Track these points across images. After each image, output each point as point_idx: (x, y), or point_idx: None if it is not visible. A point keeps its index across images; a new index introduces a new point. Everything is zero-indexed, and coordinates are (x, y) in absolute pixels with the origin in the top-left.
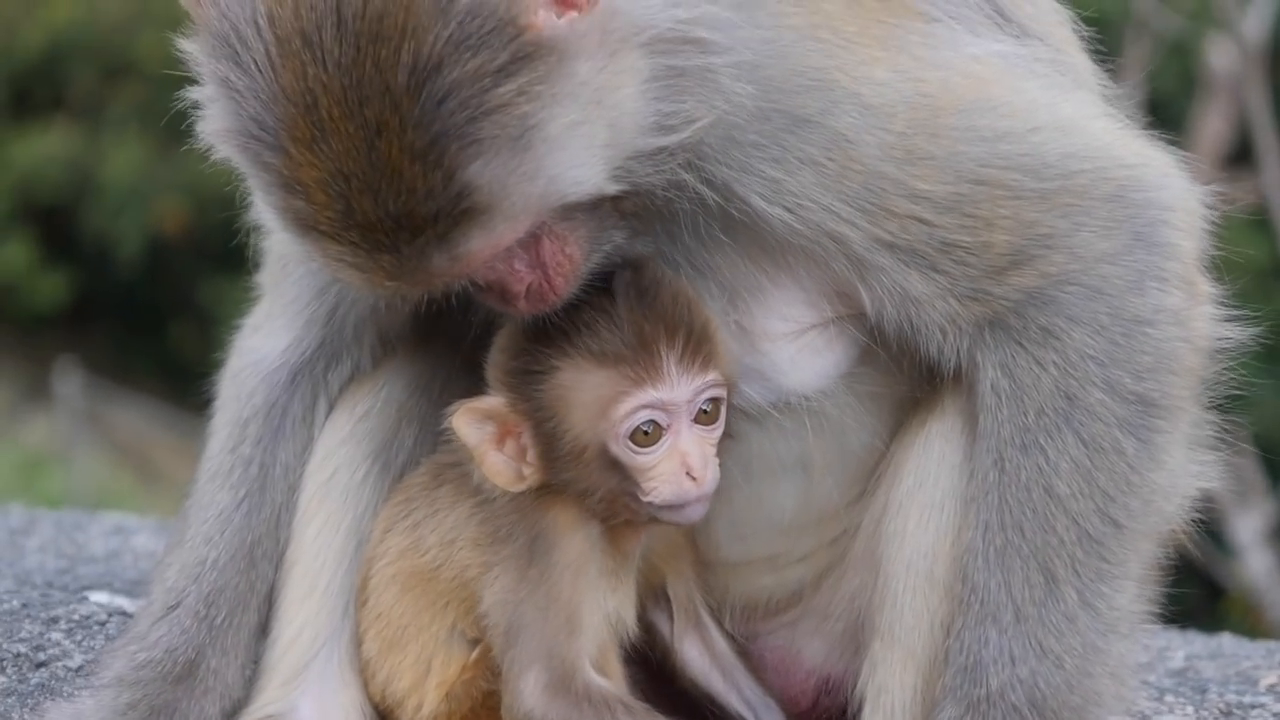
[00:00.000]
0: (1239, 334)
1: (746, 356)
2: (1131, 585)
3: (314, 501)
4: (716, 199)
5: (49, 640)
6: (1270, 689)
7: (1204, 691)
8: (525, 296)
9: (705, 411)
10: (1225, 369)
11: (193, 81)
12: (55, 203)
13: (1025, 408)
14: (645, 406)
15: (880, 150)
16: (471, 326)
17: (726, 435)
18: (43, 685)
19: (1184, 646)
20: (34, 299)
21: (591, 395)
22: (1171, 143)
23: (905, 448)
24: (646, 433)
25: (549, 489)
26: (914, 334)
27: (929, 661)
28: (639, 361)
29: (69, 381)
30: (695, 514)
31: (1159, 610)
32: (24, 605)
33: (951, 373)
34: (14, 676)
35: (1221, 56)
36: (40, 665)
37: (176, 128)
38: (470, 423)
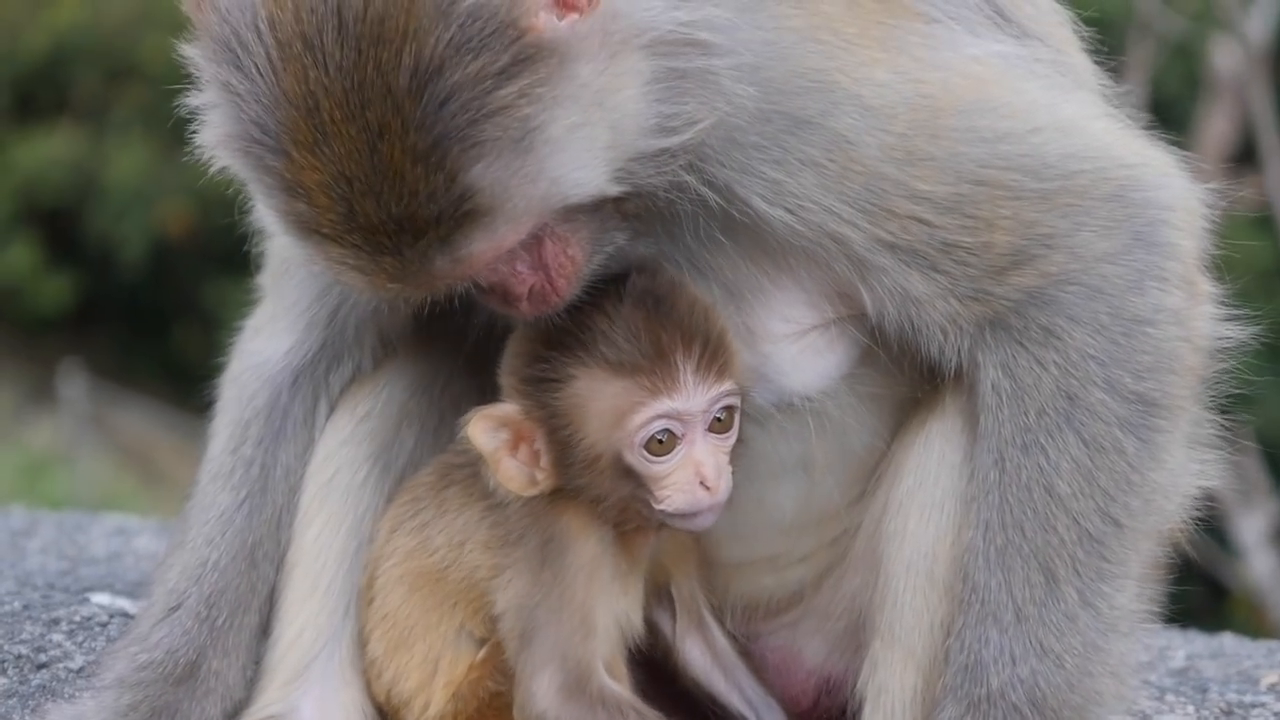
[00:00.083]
0: (1240, 333)
1: (748, 357)
2: (1132, 584)
3: (315, 502)
4: (718, 200)
5: (50, 641)
6: (1271, 688)
7: (1205, 691)
8: (528, 298)
9: (719, 420)
10: (1227, 368)
11: (196, 85)
12: (59, 205)
13: (1026, 407)
14: (661, 416)
15: (881, 151)
16: (473, 327)
17: (738, 441)
18: (44, 686)
19: (1185, 646)
20: (38, 302)
21: (607, 405)
22: (1175, 144)
23: (906, 447)
24: (661, 442)
25: (561, 493)
26: (915, 334)
27: (929, 661)
28: (655, 371)
29: (73, 384)
30: (707, 521)
31: (1161, 610)
32: (25, 607)
33: (952, 373)
34: (15, 678)
35: (1225, 57)
36: (41, 666)
37: (180, 131)
38: (485, 430)
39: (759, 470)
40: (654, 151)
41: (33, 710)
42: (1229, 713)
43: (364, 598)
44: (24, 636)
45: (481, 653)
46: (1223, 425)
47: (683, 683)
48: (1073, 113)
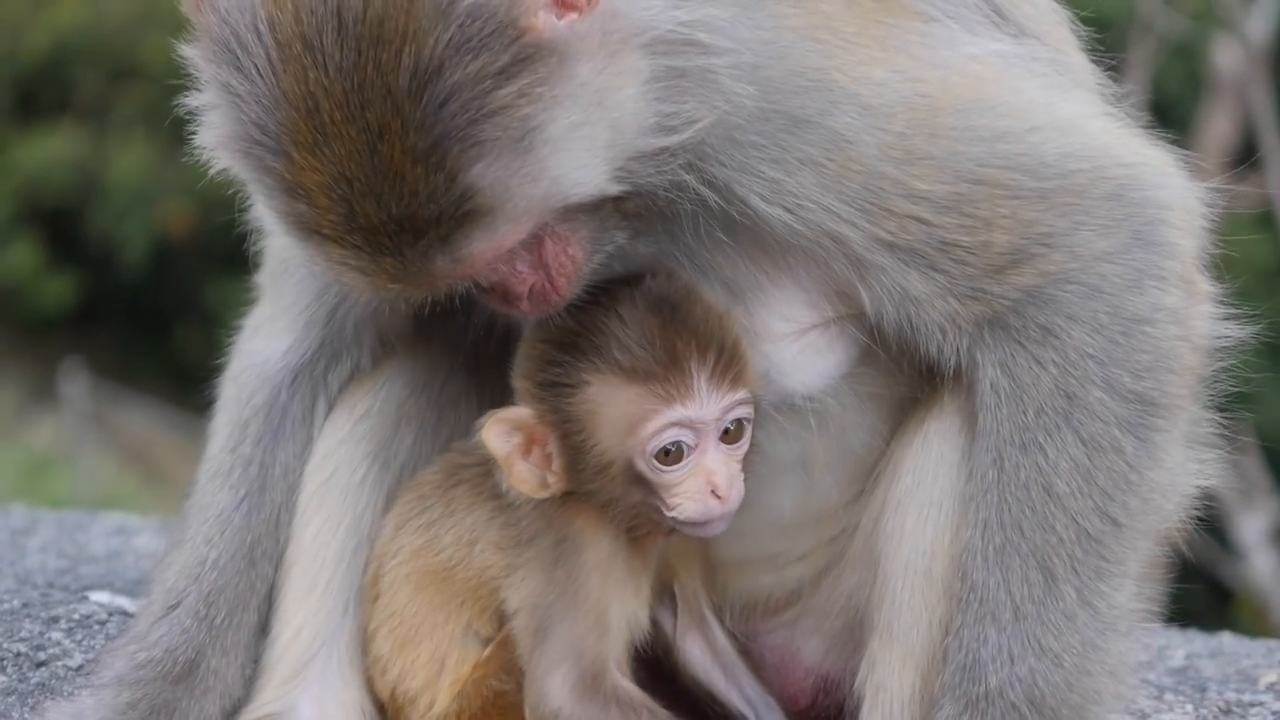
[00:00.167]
0: (1240, 332)
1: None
2: (1130, 583)
3: (313, 501)
4: (717, 199)
5: (49, 640)
6: (1270, 687)
7: (1204, 690)
8: (528, 297)
9: (731, 429)
10: (1228, 368)
11: (196, 86)
12: (61, 205)
13: (1025, 406)
14: (674, 425)
15: (879, 150)
16: (472, 326)
17: (758, 453)
18: (43, 684)
19: (1184, 645)
20: (40, 301)
21: (620, 411)
22: (1176, 143)
23: (904, 447)
24: (670, 451)
25: (573, 495)
26: (914, 333)
27: (927, 660)
28: (669, 379)
29: (75, 383)
30: (718, 529)
31: (1163, 610)
32: (24, 605)
33: (951, 372)
34: (14, 676)
35: (1226, 57)
36: (40, 664)
37: (182, 131)
38: (499, 433)
39: (758, 469)
40: (653, 150)
41: (32, 708)
42: (1227, 712)
43: (369, 595)
44: (23, 634)
45: (486, 651)
46: (1223, 424)
47: (682, 681)
48: (1071, 111)
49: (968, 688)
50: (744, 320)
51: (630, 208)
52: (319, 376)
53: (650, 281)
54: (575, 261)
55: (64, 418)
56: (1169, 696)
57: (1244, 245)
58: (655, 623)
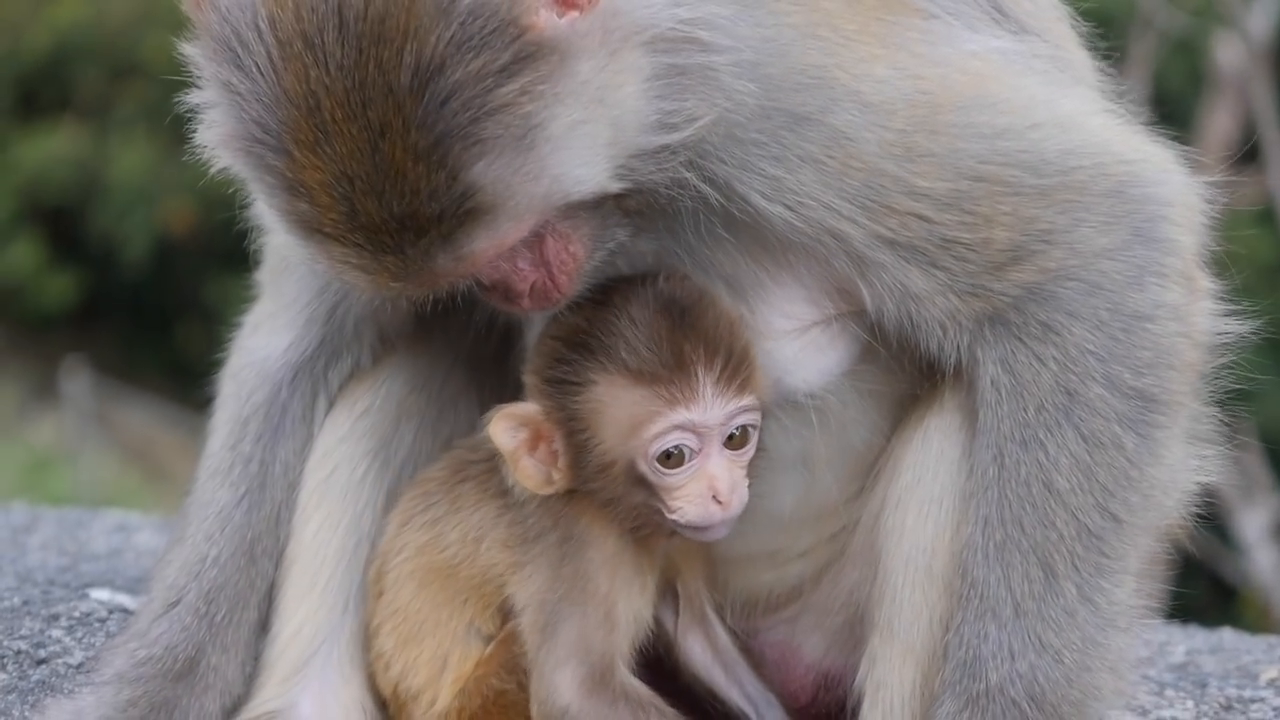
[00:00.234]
0: (1241, 328)
1: None
2: (1130, 580)
3: (313, 499)
4: (718, 197)
5: (50, 637)
6: (1271, 683)
7: (1204, 686)
8: (529, 295)
9: (736, 435)
10: (1229, 364)
11: (196, 84)
12: (62, 203)
13: (1025, 403)
14: (677, 428)
15: (880, 147)
16: (473, 324)
17: (758, 450)
18: (43, 682)
19: (1185, 641)
20: (41, 299)
21: (624, 412)
22: (1177, 140)
23: (904, 443)
24: (671, 454)
25: (579, 493)
26: (914, 330)
27: (928, 656)
28: (674, 382)
29: (76, 381)
30: (720, 534)
31: (1165, 606)
32: (25, 602)
33: (951, 369)
34: (14, 673)
35: (1227, 53)
36: (41, 662)
37: (183, 129)
38: (506, 428)
39: (759, 466)
40: (655, 148)
41: (32, 705)
42: (1228, 707)
43: (372, 591)
44: (23, 632)
45: (487, 650)
46: (1224, 421)
47: (683, 678)
48: (1071, 108)
49: (968, 684)
50: (746, 318)
51: (631, 205)
52: (319, 374)
53: (663, 284)
54: (577, 259)
55: (65, 415)
56: (1169, 692)
57: (1245, 241)
58: (656, 620)
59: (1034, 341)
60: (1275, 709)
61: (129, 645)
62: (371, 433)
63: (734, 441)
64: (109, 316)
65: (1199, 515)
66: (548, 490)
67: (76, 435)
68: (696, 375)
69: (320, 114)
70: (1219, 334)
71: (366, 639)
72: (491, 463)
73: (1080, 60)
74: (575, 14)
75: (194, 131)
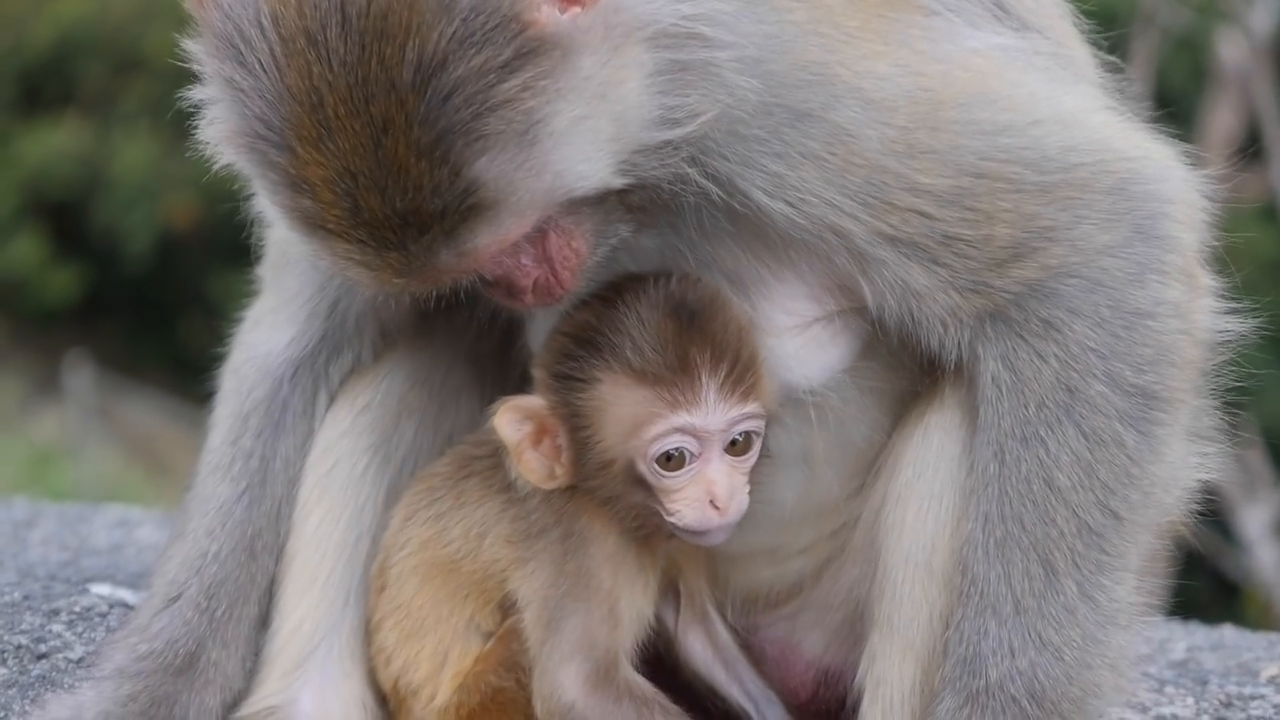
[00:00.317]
0: (1242, 326)
1: None
2: (1131, 577)
3: (314, 494)
4: (720, 193)
5: (50, 632)
6: (1271, 680)
7: (1205, 683)
8: (532, 291)
9: (738, 441)
10: (1230, 361)
11: (199, 80)
12: (65, 198)
13: (1026, 400)
14: (677, 430)
15: (881, 144)
16: (474, 320)
17: (763, 454)
18: (44, 677)
19: (1185, 638)
20: (44, 294)
21: (626, 412)
22: (1180, 137)
23: (904, 440)
24: (671, 457)
25: (581, 489)
26: (915, 327)
27: (928, 653)
28: (678, 384)
29: (79, 376)
30: (718, 539)
31: (1167, 603)
32: (25, 597)
33: (952, 365)
34: (15, 668)
35: (1230, 50)
36: (41, 657)
37: (186, 124)
38: (511, 421)
39: (760, 468)
40: (657, 144)
41: (32, 700)
42: (1228, 705)
43: (375, 585)
44: (24, 627)
45: (486, 647)
46: (1225, 418)
47: (683, 675)
48: (1073, 105)
49: (968, 681)
50: (747, 314)
51: (634, 201)
52: (320, 369)
53: (675, 285)
54: (579, 255)
55: (68, 410)
56: (1170, 689)
57: (1247, 238)
58: (657, 617)
59: (1035, 338)
60: (1276, 706)
61: (129, 640)
62: (372, 428)
63: (736, 448)
64: (111, 311)
65: (1200, 512)
66: (550, 485)
67: (78, 430)
68: (700, 379)
69: (323, 110)
70: (1220, 331)
71: (368, 634)
72: (496, 458)
73: (1082, 57)
74: (577, 10)
75: (196, 127)
